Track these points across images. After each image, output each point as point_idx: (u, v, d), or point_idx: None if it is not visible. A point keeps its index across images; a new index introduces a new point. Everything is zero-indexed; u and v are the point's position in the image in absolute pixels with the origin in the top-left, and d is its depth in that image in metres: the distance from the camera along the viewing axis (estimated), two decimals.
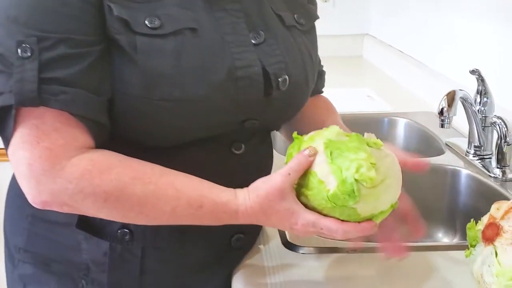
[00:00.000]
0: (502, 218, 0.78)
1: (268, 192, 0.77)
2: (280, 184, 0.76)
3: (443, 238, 1.30)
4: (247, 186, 0.80)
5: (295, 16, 0.91)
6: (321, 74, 1.08)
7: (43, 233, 0.90)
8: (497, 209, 0.81)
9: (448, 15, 1.67)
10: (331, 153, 0.74)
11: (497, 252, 0.76)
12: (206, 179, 0.81)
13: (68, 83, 0.74)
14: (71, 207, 0.76)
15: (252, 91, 0.82)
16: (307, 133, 0.81)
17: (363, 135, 0.79)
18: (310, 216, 0.76)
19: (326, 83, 1.11)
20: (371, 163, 0.73)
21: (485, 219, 0.82)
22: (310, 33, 0.95)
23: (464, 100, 1.17)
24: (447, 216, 1.30)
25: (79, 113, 0.75)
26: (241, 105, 0.82)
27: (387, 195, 0.75)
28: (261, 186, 0.78)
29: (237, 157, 0.88)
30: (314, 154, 0.76)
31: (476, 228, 0.83)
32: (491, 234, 0.78)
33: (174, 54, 0.77)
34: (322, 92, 1.10)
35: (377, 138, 0.79)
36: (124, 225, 0.84)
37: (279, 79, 0.84)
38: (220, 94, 0.80)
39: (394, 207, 0.78)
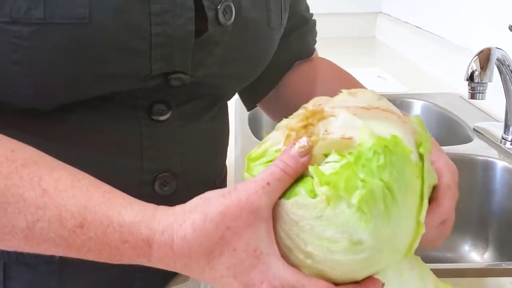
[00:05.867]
0: None
1: (227, 210, 0.42)
2: (253, 200, 0.42)
3: (470, 252, 1.06)
4: (178, 173, 0.54)
5: None
6: (311, 26, 0.78)
7: None
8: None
9: None
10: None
11: None
12: (112, 161, 0.55)
13: None
14: None
15: (175, 22, 0.52)
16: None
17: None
18: (290, 272, 0.43)
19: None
20: None
21: None
22: None
23: (501, 64, 0.85)
24: (476, 222, 1.06)
25: None
26: (159, 45, 0.53)
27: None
28: (215, 200, 0.43)
29: (160, 126, 0.58)
30: (309, 150, 0.43)
31: None
32: None
33: None
34: (313, 51, 0.79)
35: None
36: None
37: (218, 7, 0.55)
38: (117, 21, 0.50)
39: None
